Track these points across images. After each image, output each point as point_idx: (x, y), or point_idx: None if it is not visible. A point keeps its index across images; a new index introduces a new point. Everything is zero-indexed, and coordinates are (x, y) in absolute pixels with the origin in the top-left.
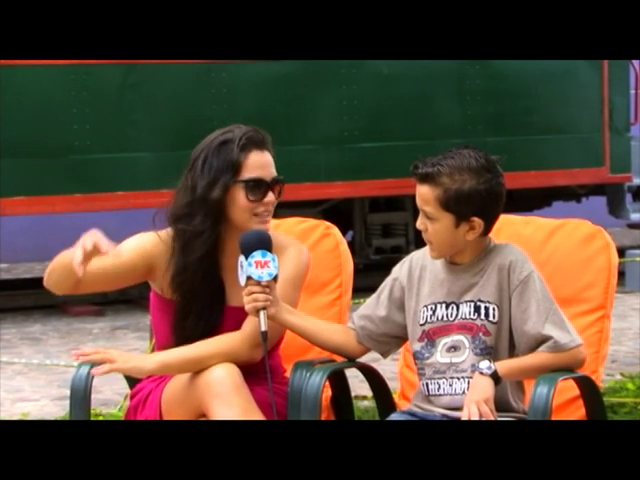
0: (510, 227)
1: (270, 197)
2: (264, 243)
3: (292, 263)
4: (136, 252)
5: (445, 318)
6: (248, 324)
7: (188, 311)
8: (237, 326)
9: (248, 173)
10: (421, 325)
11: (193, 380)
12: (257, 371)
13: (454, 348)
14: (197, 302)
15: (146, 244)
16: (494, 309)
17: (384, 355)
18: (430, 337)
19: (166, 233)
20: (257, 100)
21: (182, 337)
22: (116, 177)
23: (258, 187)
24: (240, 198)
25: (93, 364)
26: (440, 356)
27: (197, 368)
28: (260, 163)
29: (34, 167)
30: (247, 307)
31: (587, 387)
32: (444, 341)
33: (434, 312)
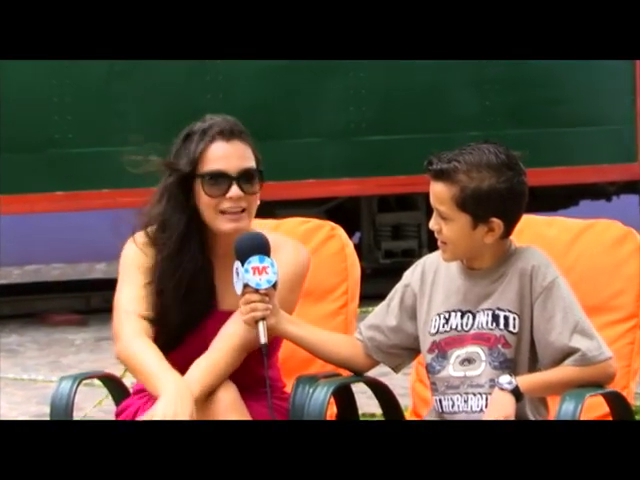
0: (533, 228)
1: (234, 192)
2: (261, 247)
3: (287, 263)
4: (146, 271)
5: (459, 328)
6: (234, 335)
7: (173, 309)
8: None
9: (207, 166)
10: (432, 335)
11: None
12: (254, 386)
13: (468, 361)
14: (182, 302)
15: (142, 260)
16: (514, 318)
17: (395, 369)
18: (441, 348)
19: (143, 235)
20: (256, 89)
21: (164, 340)
22: (101, 173)
23: (218, 181)
24: (201, 194)
25: (76, 377)
26: (453, 369)
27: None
28: (222, 154)
29: (11, 163)
30: (245, 317)
31: (617, 404)
32: (457, 353)
33: (447, 321)
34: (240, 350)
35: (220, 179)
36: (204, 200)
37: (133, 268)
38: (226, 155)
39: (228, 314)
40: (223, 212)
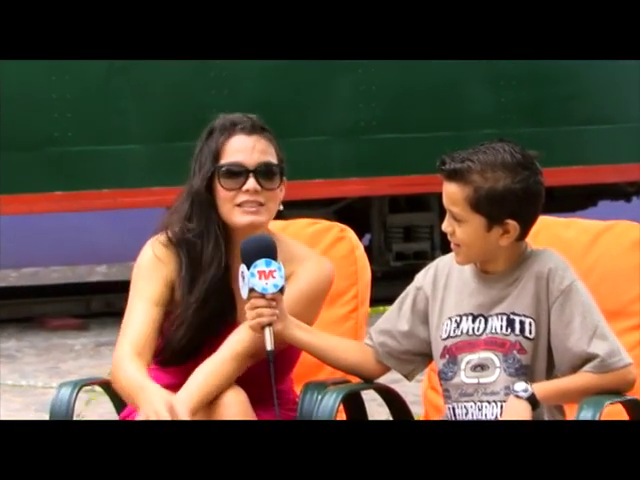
0: (549, 230)
1: (250, 184)
2: (268, 250)
3: (309, 276)
4: (160, 282)
5: (471, 332)
6: (239, 342)
7: (193, 317)
8: None
9: (226, 158)
10: (443, 339)
11: None
12: (266, 398)
13: (481, 367)
14: (202, 310)
15: (160, 264)
16: (530, 324)
17: (408, 376)
18: (452, 353)
19: (164, 237)
20: (262, 85)
21: (181, 350)
22: (102, 172)
23: (234, 173)
24: (218, 187)
25: (76, 383)
26: (465, 376)
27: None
28: (242, 147)
29: (9, 161)
30: (251, 323)
31: (637, 412)
32: (468, 358)
33: (458, 325)
34: (244, 358)
35: (237, 172)
36: (221, 194)
37: (147, 277)
38: (245, 148)
39: None
40: (239, 205)
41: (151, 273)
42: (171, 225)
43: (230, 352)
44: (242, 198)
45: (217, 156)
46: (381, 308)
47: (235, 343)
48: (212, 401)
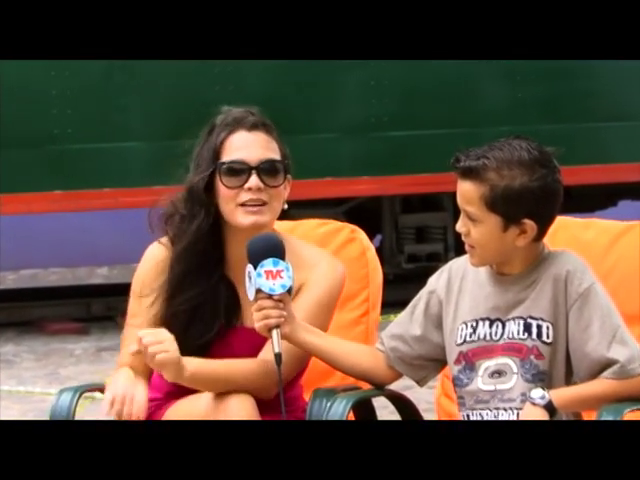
0: (568, 231)
1: (253, 182)
2: (275, 249)
3: (321, 285)
4: (159, 292)
5: (488, 337)
6: (268, 351)
7: (194, 323)
8: (253, 351)
9: (227, 156)
10: (458, 345)
11: (203, 409)
12: (274, 405)
13: (498, 373)
14: (204, 315)
15: (160, 274)
16: (548, 328)
17: (420, 382)
18: (469, 359)
19: (167, 241)
20: (269, 80)
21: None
22: (103, 171)
23: (236, 171)
24: (219, 185)
25: (77, 389)
26: (482, 382)
27: (221, 389)
28: (243, 144)
29: (6, 160)
30: (257, 325)
31: None
32: (486, 364)
33: (475, 330)
34: (270, 373)
35: (239, 169)
36: (223, 192)
37: (148, 292)
38: (247, 145)
39: (253, 330)
40: (241, 204)
41: (150, 287)
42: (171, 225)
43: (259, 361)
44: (244, 197)
45: (218, 153)
46: (392, 316)
47: (268, 356)
48: (217, 405)
